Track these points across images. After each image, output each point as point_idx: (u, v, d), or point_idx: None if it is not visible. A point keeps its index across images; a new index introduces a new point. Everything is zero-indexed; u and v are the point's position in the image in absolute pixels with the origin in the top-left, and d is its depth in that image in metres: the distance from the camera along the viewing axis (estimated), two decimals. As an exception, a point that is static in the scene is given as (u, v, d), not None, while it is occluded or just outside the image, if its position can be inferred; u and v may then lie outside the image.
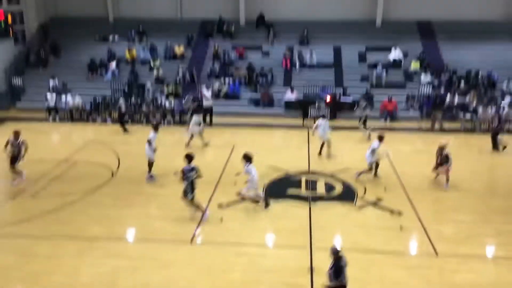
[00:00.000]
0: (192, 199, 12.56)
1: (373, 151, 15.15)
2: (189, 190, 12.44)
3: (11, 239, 11.65)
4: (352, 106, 23.49)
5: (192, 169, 12.55)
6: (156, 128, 15.38)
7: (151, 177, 15.36)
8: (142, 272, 10.26)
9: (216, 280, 10.01)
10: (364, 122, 20.62)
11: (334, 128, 21.81)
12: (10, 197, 14.04)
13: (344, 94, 24.08)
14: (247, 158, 12.99)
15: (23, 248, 11.22)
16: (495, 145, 18.69)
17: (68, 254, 10.98)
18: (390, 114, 22.95)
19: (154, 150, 15.20)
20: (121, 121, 21.13)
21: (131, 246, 11.66)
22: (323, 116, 18.13)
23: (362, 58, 26.92)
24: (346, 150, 18.83)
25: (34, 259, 10.80)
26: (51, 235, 11.85)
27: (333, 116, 23.24)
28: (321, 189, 14.87)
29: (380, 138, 15.24)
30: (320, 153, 17.89)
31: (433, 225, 12.40)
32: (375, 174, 15.59)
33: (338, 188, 14.91)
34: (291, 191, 14.68)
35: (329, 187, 14.99)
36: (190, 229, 12.16)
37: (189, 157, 12.69)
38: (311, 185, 15.09)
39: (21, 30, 27.59)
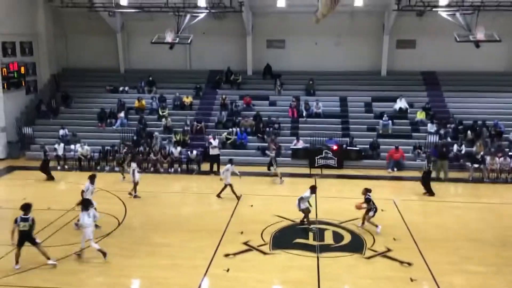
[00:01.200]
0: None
1: (302, 199, 15.36)
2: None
3: (14, 289, 11.50)
4: (359, 155, 23.54)
5: (26, 219, 12.51)
6: (91, 180, 15.46)
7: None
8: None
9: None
10: (271, 165, 21.36)
11: (341, 177, 21.87)
12: (15, 245, 13.91)
13: (351, 143, 24.19)
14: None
15: (27, 299, 11.06)
16: None
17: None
18: (397, 163, 22.92)
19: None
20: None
21: (135, 297, 11.45)
22: (231, 161, 18.71)
23: (368, 108, 27.19)
24: (353, 199, 18.69)
25: (37, 310, 10.62)
26: (54, 285, 11.68)
27: (340, 165, 23.26)
28: (329, 238, 14.69)
29: (312, 188, 15.46)
30: (219, 195, 18.28)
31: (444, 277, 12.13)
32: (302, 221, 15.52)
33: (347, 238, 14.72)
34: (298, 240, 14.50)
35: (337, 237, 14.80)
36: (196, 280, 11.97)
37: (25, 207, 12.66)
38: (319, 234, 14.92)
39: (33, 81, 28.26)
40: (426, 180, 19.24)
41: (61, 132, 25.14)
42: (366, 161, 23.63)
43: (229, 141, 24.77)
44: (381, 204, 17.90)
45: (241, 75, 29.23)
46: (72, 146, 23.88)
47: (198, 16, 24.08)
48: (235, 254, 13.42)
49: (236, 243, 14.10)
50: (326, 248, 13.92)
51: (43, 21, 28.38)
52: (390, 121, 25.49)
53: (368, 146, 24.18)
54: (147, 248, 13.94)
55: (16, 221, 12.56)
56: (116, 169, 22.43)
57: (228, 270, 12.41)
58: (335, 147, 23.59)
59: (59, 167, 23.07)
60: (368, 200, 15.06)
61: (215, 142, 22.78)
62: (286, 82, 28.76)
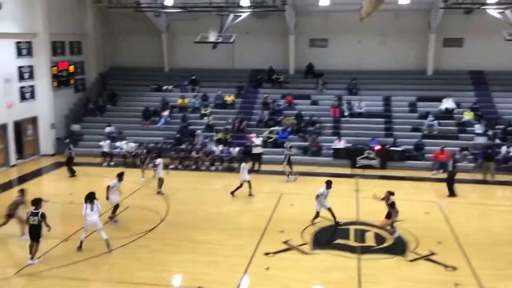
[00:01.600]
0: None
1: (318, 197, 15.33)
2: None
3: (62, 280, 11.94)
4: (402, 155, 23.10)
5: (36, 214, 12.78)
6: (120, 177, 15.85)
7: (114, 221, 15.79)
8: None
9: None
10: (289, 163, 21.08)
11: (383, 178, 21.53)
12: (63, 239, 14.45)
13: (394, 144, 23.77)
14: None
15: (73, 290, 11.46)
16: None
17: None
18: (442, 165, 22.34)
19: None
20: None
21: (177, 292, 11.67)
22: (244, 160, 19.55)
23: (413, 107, 26.62)
24: (396, 201, 18.37)
25: (83, 301, 10.99)
26: (100, 278, 12.07)
27: (383, 166, 22.90)
28: (370, 240, 14.50)
29: (328, 183, 15.50)
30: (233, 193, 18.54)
31: (490, 283, 11.76)
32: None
33: (389, 240, 14.49)
34: (339, 241, 14.39)
35: (379, 239, 14.58)
36: (236, 277, 12.07)
37: (35, 201, 12.95)
38: (360, 235, 14.75)
39: (81, 79, 29.18)
40: (449, 181, 18.94)
41: (107, 129, 25.84)
42: (410, 162, 23.13)
43: (270, 140, 24.81)
44: (425, 206, 17.61)
45: (283, 74, 29.20)
46: (118, 143, 24.51)
47: (241, 15, 24.20)
48: (275, 253, 13.45)
49: (276, 242, 14.12)
50: (368, 250, 13.75)
51: (91, 21, 29.26)
52: (435, 121, 24.87)
53: (412, 146, 23.69)
54: (188, 244, 14.17)
55: (27, 215, 13.02)
56: (150, 165, 22.95)
57: (267, 269, 12.46)
58: (377, 147, 23.23)
59: (105, 164, 23.72)
60: (392, 205, 14.59)
61: (257, 141, 22.87)
62: (329, 81, 28.53)
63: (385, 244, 14.21)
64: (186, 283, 12.03)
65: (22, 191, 14.85)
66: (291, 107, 27.19)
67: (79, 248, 13.53)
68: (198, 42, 23.86)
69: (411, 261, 13.05)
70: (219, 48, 25.40)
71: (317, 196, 15.45)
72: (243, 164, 18.98)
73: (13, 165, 23.19)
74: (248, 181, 18.68)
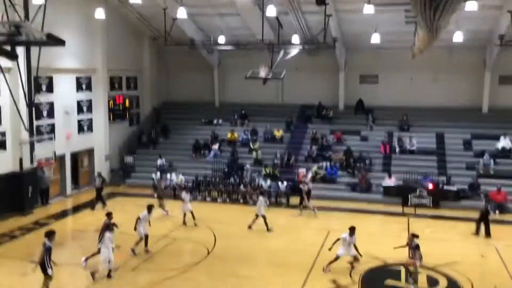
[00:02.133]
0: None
1: (339, 239, 14.57)
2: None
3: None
4: (456, 195, 22.31)
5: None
6: (149, 210, 16.12)
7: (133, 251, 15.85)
8: None
9: None
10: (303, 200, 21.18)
11: (436, 218, 20.79)
12: (112, 269, 14.70)
13: (448, 182, 23.02)
14: None
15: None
16: None
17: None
18: (499, 206, 21.39)
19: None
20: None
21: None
22: (262, 194, 19.85)
23: (467, 145, 25.82)
24: (450, 241, 17.70)
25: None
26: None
27: (435, 205, 22.16)
28: (422, 282, 13.93)
29: (351, 230, 14.54)
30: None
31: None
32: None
33: (442, 283, 13.89)
34: (389, 282, 13.92)
35: (432, 281, 14.00)
36: (282, 315, 11.85)
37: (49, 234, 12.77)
38: (412, 277, 14.19)
39: (136, 113, 30.22)
40: (482, 220, 18.34)
41: (159, 162, 26.45)
42: (464, 202, 22.28)
43: (318, 176, 24.60)
44: (482, 249, 16.84)
45: (333, 109, 29.17)
46: (168, 175, 24.99)
47: (291, 52, 24.53)
48: (322, 291, 13.14)
49: (323, 281, 13.83)
50: (420, 292, 13.21)
51: (147, 58, 30.51)
52: (492, 160, 23.98)
53: (466, 186, 22.86)
54: (234, 279, 14.10)
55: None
56: (199, 197, 23.27)
57: (315, 308, 12.17)
58: (430, 186, 22.54)
59: (155, 195, 24.17)
60: (417, 247, 13.89)
61: (307, 177, 22.71)
62: (379, 117, 28.23)
63: (439, 287, 13.61)
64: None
65: (109, 215, 15.18)
66: (340, 143, 26.99)
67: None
68: (249, 78, 24.29)
69: (467, 306, 12.43)
70: (269, 83, 25.71)
71: (339, 239, 14.68)
72: (260, 198, 19.12)
73: (69, 195, 24.02)
74: (263, 216, 18.66)
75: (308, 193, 21.29)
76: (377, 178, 24.13)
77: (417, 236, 14.15)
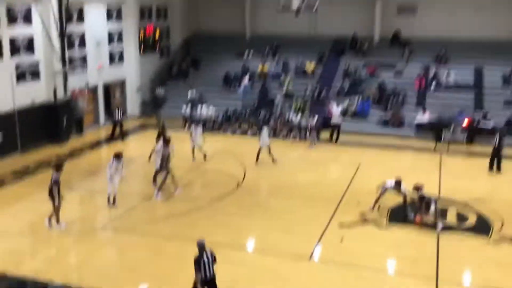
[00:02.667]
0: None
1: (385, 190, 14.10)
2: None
3: (144, 237, 12.58)
4: (492, 132, 21.71)
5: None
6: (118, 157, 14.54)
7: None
8: (259, 284, 10.39)
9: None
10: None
11: (471, 155, 20.41)
12: (145, 199, 15.17)
13: (484, 118, 22.35)
14: None
15: (154, 246, 12.06)
16: None
17: (192, 256, 11.52)
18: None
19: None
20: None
21: (250, 256, 11.91)
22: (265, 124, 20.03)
23: (506, 80, 24.79)
24: (482, 178, 17.45)
25: (162, 257, 11.55)
26: (178, 236, 12.56)
27: (470, 141, 21.70)
28: (452, 218, 13.89)
29: (398, 182, 13.88)
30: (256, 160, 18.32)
31: None
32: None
33: (472, 219, 13.81)
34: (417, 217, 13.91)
35: (461, 217, 13.94)
36: (309, 245, 12.09)
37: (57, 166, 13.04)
38: (441, 213, 14.16)
39: (166, 45, 29.97)
40: (494, 156, 18.14)
41: (190, 94, 26.44)
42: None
43: (350, 111, 24.23)
44: (514, 186, 16.56)
45: (367, 42, 28.21)
46: (199, 108, 25.04)
47: (326, -20, 23.50)
48: (350, 224, 13.28)
49: (351, 214, 13.93)
50: (448, 228, 13.19)
51: (177, -13, 29.81)
52: (531, 96, 23.08)
53: (503, 122, 22.18)
54: (263, 210, 14.36)
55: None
56: (237, 131, 23.30)
57: (342, 240, 12.34)
58: (465, 122, 21.97)
59: (186, 128, 24.40)
60: (422, 198, 13.63)
61: (336, 111, 22.45)
62: (416, 51, 27.19)
63: (468, 223, 13.56)
64: (260, 246, 12.22)
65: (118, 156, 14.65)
66: (374, 77, 26.31)
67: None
68: (280, 10, 23.53)
69: (495, 242, 12.38)
70: (301, 15, 24.90)
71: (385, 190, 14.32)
72: (264, 128, 18.92)
73: (102, 126, 24.48)
74: (268, 146, 18.52)
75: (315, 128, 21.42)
76: (411, 114, 23.61)
77: (420, 188, 13.78)
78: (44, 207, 13.13)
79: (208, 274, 8.74)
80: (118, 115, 22.08)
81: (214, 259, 8.92)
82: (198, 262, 8.79)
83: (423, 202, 13.66)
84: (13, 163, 18.31)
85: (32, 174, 17.33)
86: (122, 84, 26.31)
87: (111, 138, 21.97)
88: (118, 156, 14.11)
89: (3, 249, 11.87)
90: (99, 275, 10.71)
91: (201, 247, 8.90)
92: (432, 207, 13.70)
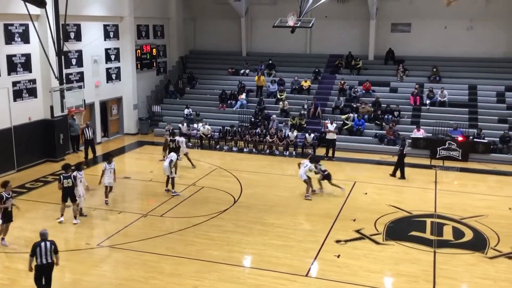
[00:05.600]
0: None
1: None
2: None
3: (139, 254, 12.53)
4: (487, 148, 21.88)
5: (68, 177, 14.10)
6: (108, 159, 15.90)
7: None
8: (256, 300, 10.36)
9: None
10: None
11: (466, 171, 20.53)
12: (142, 215, 15.15)
13: (479, 135, 22.53)
14: None
15: (149, 263, 12.01)
16: None
17: (189, 274, 11.50)
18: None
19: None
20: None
21: (247, 273, 11.87)
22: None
23: (500, 98, 25.04)
24: (478, 194, 17.53)
25: (158, 275, 11.49)
26: (174, 253, 12.53)
27: (464, 158, 21.82)
28: (448, 234, 13.93)
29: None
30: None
31: None
32: None
33: (468, 235, 13.85)
34: (414, 233, 13.95)
35: (457, 233, 13.98)
36: (306, 262, 12.09)
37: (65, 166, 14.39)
38: (437, 229, 14.20)
39: (163, 62, 30.17)
40: (398, 162, 19.14)
41: (186, 111, 26.55)
42: (494, 155, 21.86)
43: (345, 127, 24.38)
44: (509, 202, 16.59)
45: (362, 59, 28.50)
46: (195, 125, 25.13)
47: (321, -1, 23.79)
48: (346, 241, 13.30)
49: (348, 230, 13.96)
50: (444, 244, 13.23)
51: (174, 5, 30.03)
52: (525, 113, 23.28)
53: (498, 139, 22.36)
54: (260, 227, 14.34)
55: (60, 180, 14.18)
56: (225, 147, 23.45)
57: (338, 256, 12.35)
58: (460, 138, 22.14)
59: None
60: (323, 171, 16.36)
61: (332, 127, 22.59)
62: (410, 68, 27.48)
63: (464, 239, 13.60)
64: (256, 263, 12.19)
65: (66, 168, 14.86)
66: (369, 94, 26.52)
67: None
68: (276, 27, 23.76)
69: (491, 258, 12.41)
70: (297, 32, 25.08)
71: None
72: (182, 138, 20.14)
73: (99, 143, 24.47)
74: (186, 154, 19.88)
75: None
76: (406, 131, 23.76)
77: (316, 160, 16.90)
78: (38, 224, 13.08)
79: (44, 260, 9.86)
80: (88, 133, 21.78)
81: (54, 250, 9.96)
82: (34, 246, 9.86)
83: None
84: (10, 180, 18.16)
85: (28, 191, 17.29)
86: (118, 101, 26.39)
87: (85, 158, 21.58)
88: (65, 169, 14.37)
89: (-2, 266, 11.80)
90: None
91: (43, 236, 9.97)
92: None
